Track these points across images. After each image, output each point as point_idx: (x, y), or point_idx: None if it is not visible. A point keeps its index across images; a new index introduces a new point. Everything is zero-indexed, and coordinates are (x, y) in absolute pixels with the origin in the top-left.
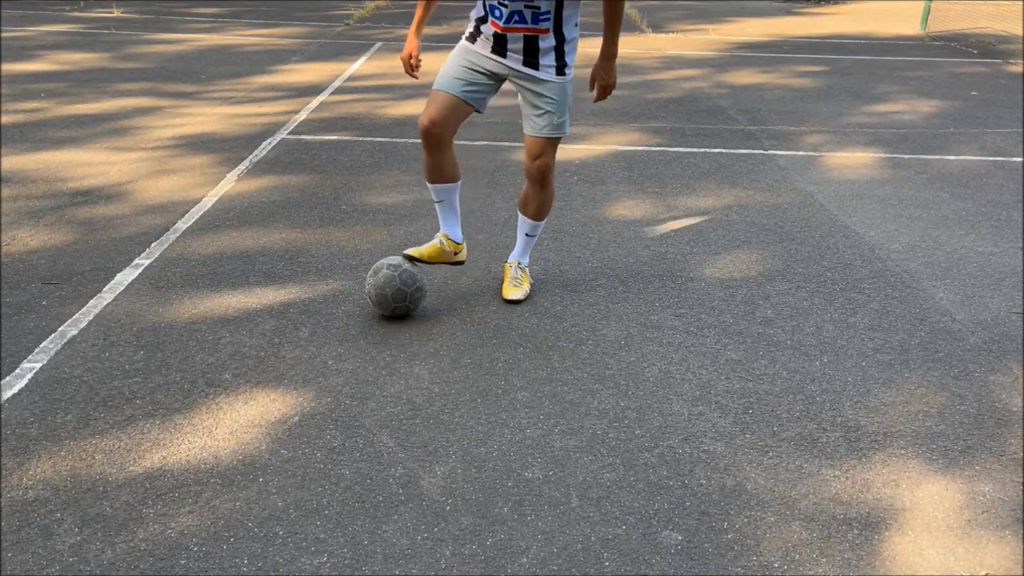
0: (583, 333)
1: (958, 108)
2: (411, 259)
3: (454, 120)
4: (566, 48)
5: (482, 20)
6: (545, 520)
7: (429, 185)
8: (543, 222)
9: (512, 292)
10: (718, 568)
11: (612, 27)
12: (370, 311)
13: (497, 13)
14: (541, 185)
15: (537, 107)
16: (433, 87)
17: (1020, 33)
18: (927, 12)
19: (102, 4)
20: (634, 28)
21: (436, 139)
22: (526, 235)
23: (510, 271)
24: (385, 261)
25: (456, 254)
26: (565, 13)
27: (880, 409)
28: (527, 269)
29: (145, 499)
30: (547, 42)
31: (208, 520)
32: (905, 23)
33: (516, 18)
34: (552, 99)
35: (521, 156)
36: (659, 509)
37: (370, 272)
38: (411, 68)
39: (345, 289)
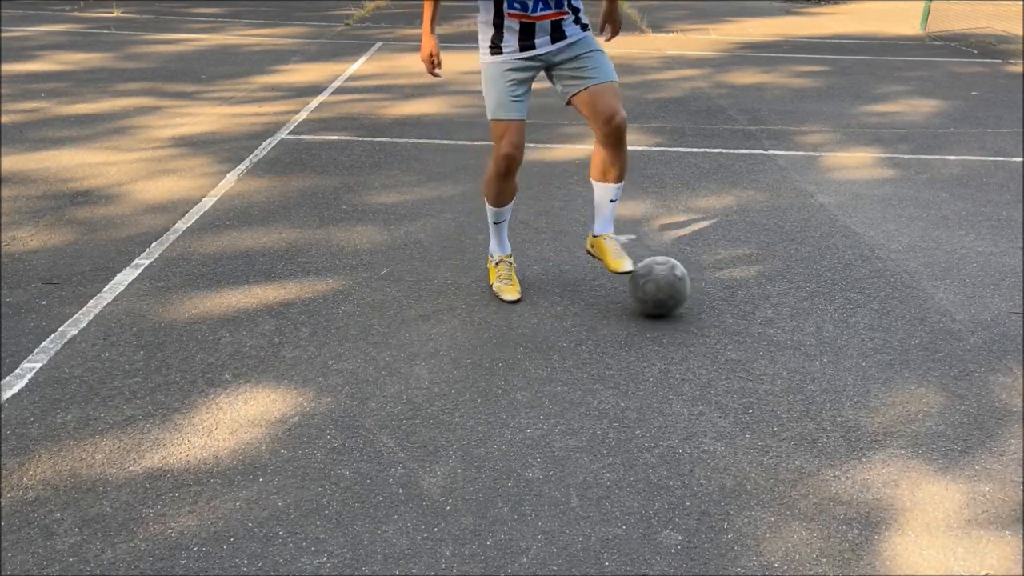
0: (583, 333)
1: (958, 108)
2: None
3: (524, 139)
4: (580, 15)
5: (498, 24)
6: (545, 520)
7: (499, 208)
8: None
9: (625, 263)
10: (718, 568)
11: None
12: (370, 311)
13: (517, 5)
14: (621, 143)
15: (585, 58)
16: (494, 118)
17: (1020, 33)
18: (927, 12)
19: (102, 4)
20: (634, 28)
21: (517, 163)
22: (611, 202)
23: (609, 243)
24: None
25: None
26: None
27: (880, 409)
28: None
29: (145, 499)
30: (568, 20)
31: (208, 520)
32: (905, 23)
33: (542, 6)
34: (592, 47)
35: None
36: (659, 509)
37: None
38: (433, 67)
39: (345, 289)
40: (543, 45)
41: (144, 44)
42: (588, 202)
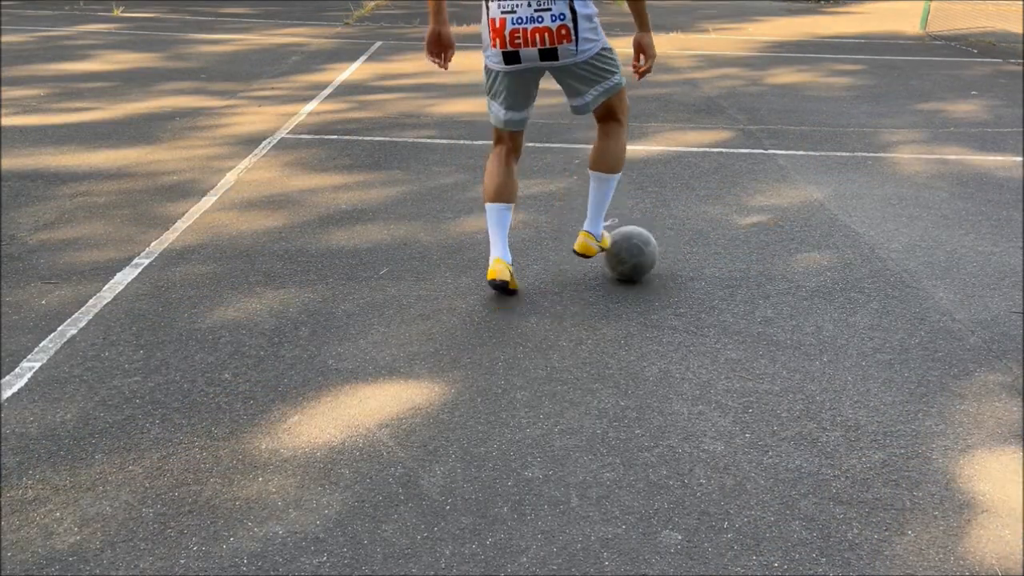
0: (583, 333)
1: (957, 108)
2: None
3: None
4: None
5: None
6: (545, 520)
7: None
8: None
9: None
10: (718, 568)
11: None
12: (370, 311)
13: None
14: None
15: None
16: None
17: (1020, 33)
18: (927, 12)
19: (103, 4)
20: (634, 28)
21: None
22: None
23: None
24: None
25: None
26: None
27: (880, 409)
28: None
29: (145, 499)
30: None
31: (208, 520)
32: (905, 23)
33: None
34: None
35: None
36: (659, 509)
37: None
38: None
39: (345, 289)
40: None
41: (144, 45)
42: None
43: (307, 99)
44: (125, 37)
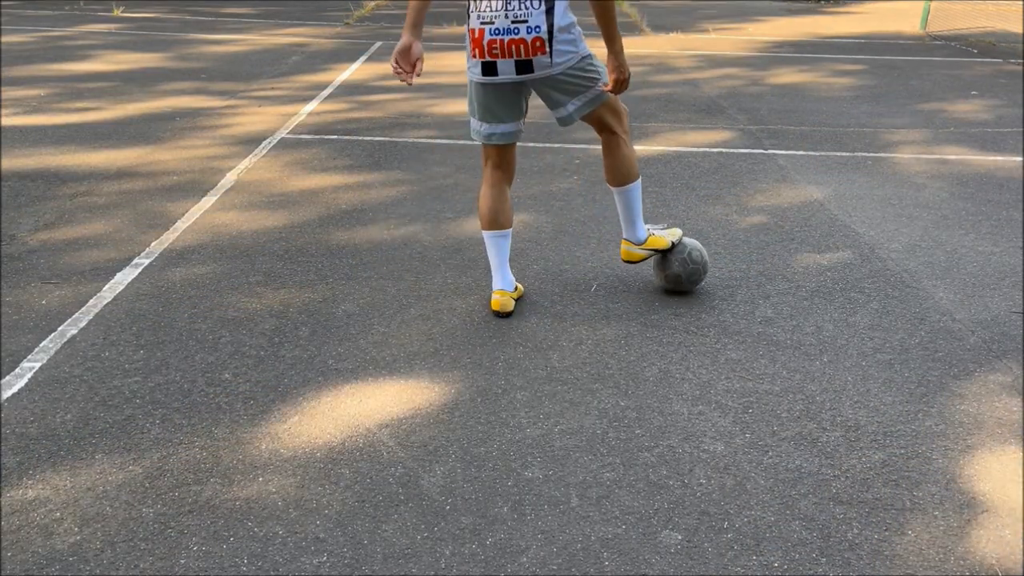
0: (583, 333)
1: (957, 108)
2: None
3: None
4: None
5: None
6: (545, 520)
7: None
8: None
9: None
10: (718, 568)
11: (609, 26)
12: (370, 311)
13: None
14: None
15: None
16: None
17: (1020, 33)
18: (927, 12)
19: (103, 4)
20: (634, 29)
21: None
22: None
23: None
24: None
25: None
26: None
27: (880, 409)
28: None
29: (145, 499)
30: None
31: (208, 520)
32: (905, 23)
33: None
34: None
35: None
36: (659, 508)
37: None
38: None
39: (345, 289)
40: None
41: (145, 45)
42: (588, 202)
43: (307, 99)
44: (125, 37)
